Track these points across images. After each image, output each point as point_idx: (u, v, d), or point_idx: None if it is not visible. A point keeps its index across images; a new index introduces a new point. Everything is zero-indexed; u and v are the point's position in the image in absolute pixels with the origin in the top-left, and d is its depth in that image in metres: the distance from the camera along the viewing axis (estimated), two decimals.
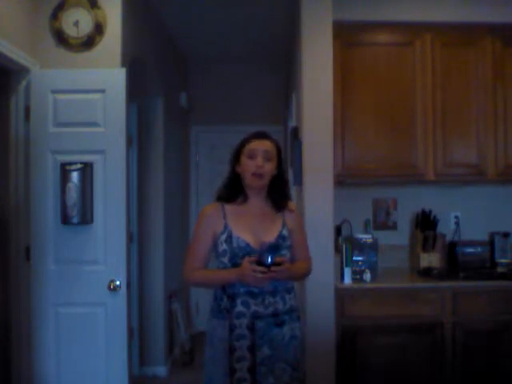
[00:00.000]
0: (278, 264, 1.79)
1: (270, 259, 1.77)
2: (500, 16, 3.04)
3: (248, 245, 1.87)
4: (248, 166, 1.90)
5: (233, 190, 1.96)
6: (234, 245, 1.87)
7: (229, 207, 1.94)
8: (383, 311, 2.76)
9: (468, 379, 2.76)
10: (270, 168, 1.92)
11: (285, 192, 2.01)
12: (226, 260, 1.89)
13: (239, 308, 1.86)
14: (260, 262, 1.78)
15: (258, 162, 1.88)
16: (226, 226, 1.90)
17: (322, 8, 2.89)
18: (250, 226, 1.91)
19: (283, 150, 2.16)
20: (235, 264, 1.86)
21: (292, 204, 2.06)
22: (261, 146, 1.91)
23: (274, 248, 1.87)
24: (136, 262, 3.70)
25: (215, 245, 1.92)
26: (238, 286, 1.86)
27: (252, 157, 1.90)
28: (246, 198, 1.96)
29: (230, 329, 1.86)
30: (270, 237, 1.90)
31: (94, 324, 2.59)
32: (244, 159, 1.92)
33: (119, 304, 2.59)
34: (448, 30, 3.06)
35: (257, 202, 1.97)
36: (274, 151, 1.94)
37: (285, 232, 1.94)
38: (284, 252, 1.90)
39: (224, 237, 1.89)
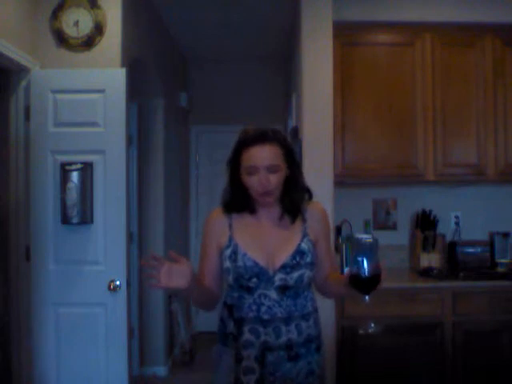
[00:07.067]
0: (378, 275, 1.37)
1: (366, 268, 1.34)
2: (500, 16, 3.04)
3: (256, 264, 1.55)
4: (250, 184, 1.58)
5: (239, 200, 1.64)
6: (240, 263, 1.55)
7: (237, 216, 1.65)
8: (383, 311, 2.76)
9: (468, 379, 2.76)
10: (277, 180, 1.57)
11: (298, 196, 1.67)
12: (230, 279, 1.59)
13: (247, 336, 1.56)
14: (355, 277, 1.37)
15: (262, 180, 1.55)
16: (230, 239, 1.60)
17: (322, 8, 2.90)
18: (260, 240, 1.60)
19: None
20: (241, 286, 1.57)
21: (315, 204, 1.72)
22: (261, 159, 1.54)
23: (369, 249, 1.38)
24: (136, 262, 3.70)
25: (221, 259, 1.62)
26: (247, 310, 1.57)
27: (252, 173, 1.56)
28: (254, 208, 1.65)
29: (237, 359, 1.56)
30: (285, 253, 1.57)
31: (94, 324, 2.59)
32: (244, 175, 1.58)
33: (119, 304, 2.58)
34: (448, 30, 3.07)
35: (269, 211, 1.65)
36: (278, 156, 1.57)
37: (304, 245, 1.59)
38: (302, 271, 1.57)
39: (228, 252, 1.58)
